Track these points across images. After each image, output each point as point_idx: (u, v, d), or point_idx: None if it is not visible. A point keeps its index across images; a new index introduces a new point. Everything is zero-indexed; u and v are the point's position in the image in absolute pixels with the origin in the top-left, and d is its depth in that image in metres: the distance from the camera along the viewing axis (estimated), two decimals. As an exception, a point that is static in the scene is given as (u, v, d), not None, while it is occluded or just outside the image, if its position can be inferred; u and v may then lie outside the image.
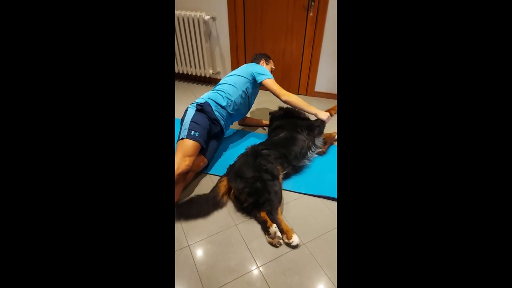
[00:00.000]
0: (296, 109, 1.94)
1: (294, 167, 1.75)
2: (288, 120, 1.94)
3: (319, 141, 1.91)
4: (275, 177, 1.53)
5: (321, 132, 1.92)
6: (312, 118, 1.95)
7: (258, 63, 2.06)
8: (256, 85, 1.96)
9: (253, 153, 1.64)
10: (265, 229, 1.41)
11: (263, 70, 1.92)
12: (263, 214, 1.45)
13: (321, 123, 1.90)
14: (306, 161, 1.82)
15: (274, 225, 1.39)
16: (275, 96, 1.91)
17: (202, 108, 1.74)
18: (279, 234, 1.37)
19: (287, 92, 1.85)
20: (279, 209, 1.48)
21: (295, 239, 1.35)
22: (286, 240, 1.36)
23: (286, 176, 1.73)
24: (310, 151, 1.84)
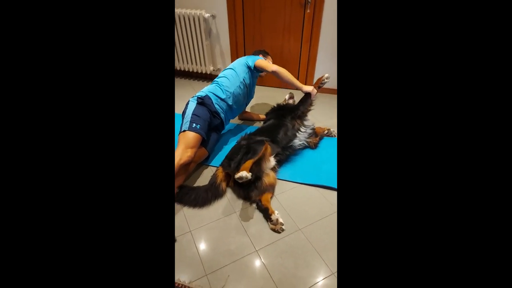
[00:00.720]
0: (286, 82, 2.00)
1: (285, 149, 1.82)
2: (275, 113, 2.04)
3: (307, 122, 1.99)
4: (261, 142, 1.63)
5: (305, 109, 1.99)
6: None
7: None
8: (253, 74, 2.04)
9: (241, 140, 1.75)
10: (267, 216, 1.48)
11: (254, 57, 2.02)
12: (265, 202, 1.53)
13: (304, 100, 1.98)
14: (297, 141, 1.89)
15: (276, 212, 1.46)
16: (275, 92, 1.98)
17: (202, 101, 1.82)
18: (281, 220, 1.44)
19: (275, 65, 1.93)
20: (250, 161, 1.50)
21: (242, 174, 1.37)
22: (237, 174, 1.39)
23: (280, 161, 1.80)
24: (299, 132, 1.92)
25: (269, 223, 1.47)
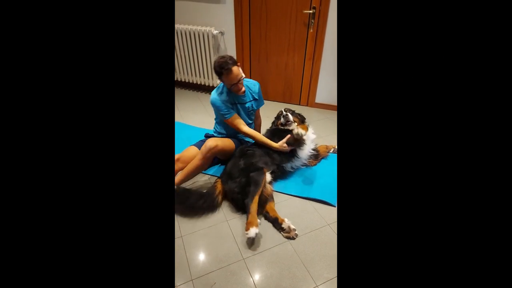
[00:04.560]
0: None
1: (280, 168, 1.83)
2: (275, 133, 1.96)
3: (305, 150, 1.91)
4: (259, 169, 1.63)
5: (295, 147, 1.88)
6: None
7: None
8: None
9: (240, 154, 1.78)
10: (278, 226, 1.51)
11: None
12: (272, 213, 1.56)
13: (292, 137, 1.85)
14: (290, 165, 1.86)
15: (286, 219, 1.49)
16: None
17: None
18: (293, 226, 1.46)
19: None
20: (256, 197, 1.53)
21: (251, 232, 1.39)
22: (245, 231, 1.42)
23: (275, 178, 1.81)
24: (295, 158, 1.87)
25: (282, 232, 1.49)
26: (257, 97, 1.93)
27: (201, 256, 1.39)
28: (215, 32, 2.68)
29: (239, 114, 1.87)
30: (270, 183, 1.74)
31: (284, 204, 1.69)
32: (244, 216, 1.60)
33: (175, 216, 1.60)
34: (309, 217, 1.60)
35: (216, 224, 1.56)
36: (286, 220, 1.49)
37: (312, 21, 2.41)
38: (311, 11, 2.38)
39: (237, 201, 1.61)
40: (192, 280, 1.27)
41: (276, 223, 1.52)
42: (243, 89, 1.77)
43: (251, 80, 1.94)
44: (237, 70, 1.69)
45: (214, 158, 1.89)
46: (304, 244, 1.44)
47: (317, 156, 2.01)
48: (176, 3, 2.74)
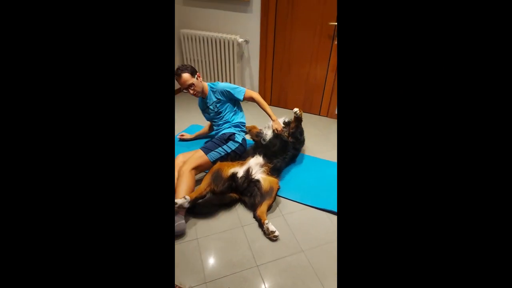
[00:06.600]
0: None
1: (266, 146, 1.91)
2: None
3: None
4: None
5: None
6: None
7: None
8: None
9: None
10: (261, 227, 1.56)
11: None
12: (259, 213, 1.59)
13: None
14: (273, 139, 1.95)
15: (266, 221, 1.52)
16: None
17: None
18: (272, 228, 1.50)
19: None
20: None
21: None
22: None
23: (267, 156, 1.85)
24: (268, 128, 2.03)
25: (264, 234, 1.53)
26: (220, 97, 1.97)
27: (215, 260, 1.40)
28: (240, 40, 2.74)
29: (207, 117, 2.13)
30: (270, 171, 1.78)
31: (300, 214, 1.69)
32: (257, 223, 1.61)
33: (193, 219, 1.63)
34: (325, 229, 1.59)
35: (231, 229, 1.57)
36: (266, 221, 1.52)
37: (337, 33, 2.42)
38: (336, 23, 2.40)
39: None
40: (205, 282, 1.29)
41: (259, 222, 1.58)
42: (198, 94, 1.94)
43: (218, 83, 2.02)
44: (187, 77, 1.84)
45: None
46: (318, 256, 1.42)
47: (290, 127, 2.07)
48: (207, 11, 2.83)
